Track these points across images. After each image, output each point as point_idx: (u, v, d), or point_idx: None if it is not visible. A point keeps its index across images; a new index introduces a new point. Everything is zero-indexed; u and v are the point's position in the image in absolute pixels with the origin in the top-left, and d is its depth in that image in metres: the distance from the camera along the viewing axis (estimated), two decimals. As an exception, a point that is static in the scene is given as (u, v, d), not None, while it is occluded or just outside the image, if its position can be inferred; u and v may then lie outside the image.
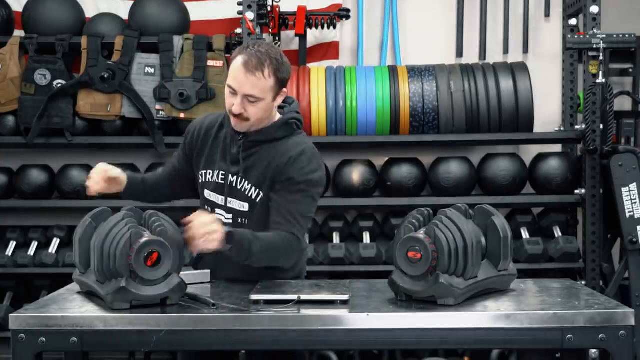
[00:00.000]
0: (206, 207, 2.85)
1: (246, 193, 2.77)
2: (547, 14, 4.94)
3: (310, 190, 2.74)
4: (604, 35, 4.21)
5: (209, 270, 2.83)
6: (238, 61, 2.66)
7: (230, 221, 2.77)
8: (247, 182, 2.77)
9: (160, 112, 4.45)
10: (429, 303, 2.41)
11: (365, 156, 4.65)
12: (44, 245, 4.59)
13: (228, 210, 2.79)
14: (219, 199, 2.81)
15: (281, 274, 2.81)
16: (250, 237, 2.60)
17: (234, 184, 2.78)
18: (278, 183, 2.72)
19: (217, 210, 2.81)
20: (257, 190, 2.76)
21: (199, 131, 2.90)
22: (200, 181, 2.87)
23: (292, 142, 2.77)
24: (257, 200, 2.76)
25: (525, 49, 4.91)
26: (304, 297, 2.44)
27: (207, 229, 2.49)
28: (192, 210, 4.77)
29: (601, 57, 4.21)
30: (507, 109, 4.46)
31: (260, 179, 2.75)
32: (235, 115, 2.69)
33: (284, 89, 2.73)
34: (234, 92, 2.66)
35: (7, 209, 4.69)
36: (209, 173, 2.84)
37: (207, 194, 2.84)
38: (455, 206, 2.59)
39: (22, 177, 4.61)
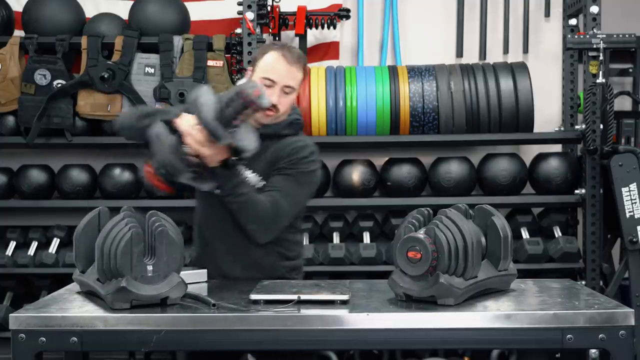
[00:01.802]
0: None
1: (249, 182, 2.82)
2: (547, 14, 4.94)
3: (305, 179, 2.83)
4: (604, 35, 4.20)
5: (205, 270, 2.86)
6: (274, 55, 2.80)
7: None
8: (250, 171, 2.82)
9: (160, 112, 4.45)
10: (429, 303, 2.41)
11: (365, 156, 4.65)
12: (44, 245, 4.59)
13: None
14: None
15: (280, 268, 2.88)
16: (242, 181, 2.71)
17: None
18: (277, 167, 2.80)
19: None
20: (261, 181, 2.83)
21: None
22: None
23: (296, 138, 2.89)
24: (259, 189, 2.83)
25: (525, 49, 4.91)
26: (304, 297, 2.45)
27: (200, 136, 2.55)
28: (193, 209, 4.78)
29: (601, 57, 4.21)
30: (507, 109, 4.46)
31: (262, 172, 2.82)
32: (270, 107, 2.74)
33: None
34: (271, 84, 2.77)
35: (7, 209, 4.69)
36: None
37: None
38: (455, 206, 2.60)
39: (22, 177, 4.61)
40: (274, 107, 2.77)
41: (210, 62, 4.44)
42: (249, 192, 2.73)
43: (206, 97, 2.58)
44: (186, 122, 2.61)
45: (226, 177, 2.67)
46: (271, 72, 2.78)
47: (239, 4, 4.36)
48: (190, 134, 2.58)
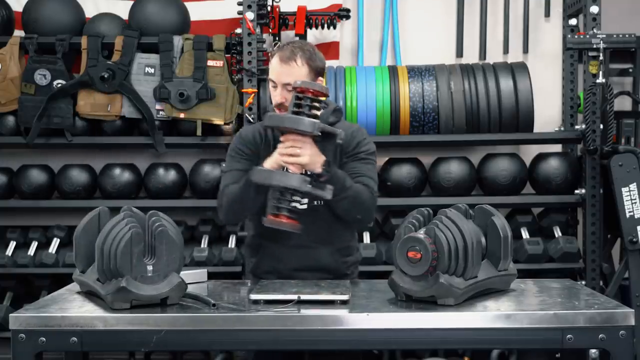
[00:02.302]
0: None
1: None
2: (547, 14, 4.94)
3: (372, 159, 2.94)
4: (604, 35, 4.20)
5: (205, 270, 2.85)
6: (274, 57, 2.92)
7: (306, 206, 2.85)
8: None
9: (161, 112, 4.45)
10: (429, 303, 2.41)
11: (365, 156, 4.64)
12: (44, 245, 4.59)
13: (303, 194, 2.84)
14: None
15: (342, 265, 2.95)
16: (344, 174, 2.78)
17: None
18: (345, 155, 2.88)
19: (294, 197, 2.83)
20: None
21: (260, 134, 2.97)
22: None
23: (347, 124, 3.01)
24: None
25: (525, 49, 4.91)
26: (304, 297, 2.45)
27: (292, 148, 2.67)
28: (195, 209, 4.77)
29: (601, 57, 4.21)
30: (507, 109, 4.46)
31: (333, 160, 2.84)
32: (278, 106, 2.86)
33: (320, 78, 2.93)
34: (274, 84, 2.87)
35: (7, 209, 4.69)
36: None
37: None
38: (455, 206, 2.60)
39: (22, 177, 4.60)
40: (281, 105, 2.84)
41: (210, 62, 4.43)
42: (352, 184, 2.80)
43: (275, 112, 2.80)
44: (275, 156, 2.71)
45: (334, 176, 2.73)
46: (272, 73, 2.90)
47: (239, 4, 4.36)
48: (284, 152, 2.66)
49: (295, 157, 2.66)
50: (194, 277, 2.80)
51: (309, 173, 2.70)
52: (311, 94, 2.64)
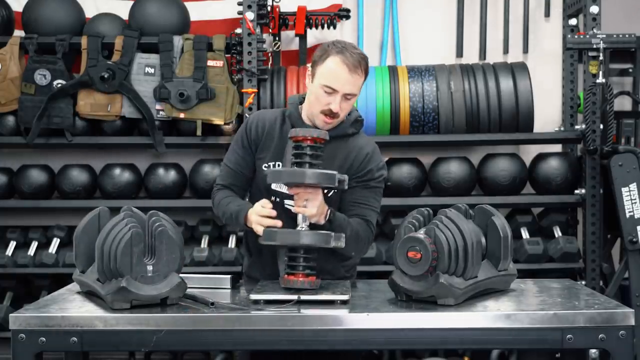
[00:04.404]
0: (273, 198, 2.80)
1: None
2: (547, 14, 4.94)
3: (381, 187, 2.85)
4: (604, 35, 4.20)
5: (229, 276, 2.81)
6: (336, 61, 2.69)
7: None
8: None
9: (160, 112, 4.45)
10: (429, 303, 2.42)
11: (365, 156, 4.64)
12: (44, 245, 4.59)
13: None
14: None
15: (340, 269, 2.89)
16: (344, 219, 2.71)
17: None
18: (355, 178, 2.77)
19: (286, 201, 2.79)
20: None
21: (262, 124, 2.85)
22: (264, 174, 2.83)
23: (362, 139, 2.87)
24: (329, 193, 2.78)
25: (525, 49, 4.91)
26: (304, 297, 2.45)
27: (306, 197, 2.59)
28: (195, 209, 4.76)
29: (601, 57, 4.21)
30: (507, 109, 4.46)
31: (334, 170, 2.70)
32: (327, 113, 2.71)
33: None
34: (332, 92, 2.69)
35: (7, 209, 4.69)
36: (278, 165, 2.80)
37: (276, 185, 2.80)
38: (455, 206, 2.60)
39: (22, 177, 4.60)
40: (334, 114, 2.71)
41: (210, 62, 4.43)
42: (352, 227, 2.72)
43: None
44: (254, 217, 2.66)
45: (335, 223, 2.67)
46: (332, 81, 2.69)
47: (239, 4, 4.36)
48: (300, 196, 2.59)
49: (303, 209, 2.58)
50: (216, 283, 2.76)
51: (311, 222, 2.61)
52: (310, 142, 2.55)
